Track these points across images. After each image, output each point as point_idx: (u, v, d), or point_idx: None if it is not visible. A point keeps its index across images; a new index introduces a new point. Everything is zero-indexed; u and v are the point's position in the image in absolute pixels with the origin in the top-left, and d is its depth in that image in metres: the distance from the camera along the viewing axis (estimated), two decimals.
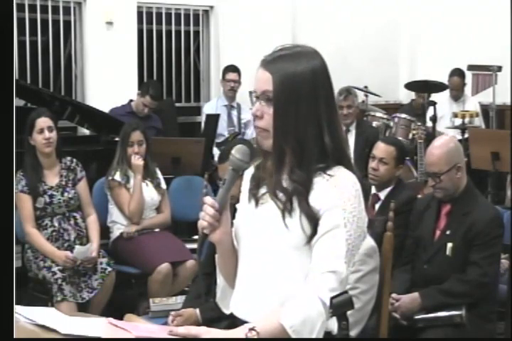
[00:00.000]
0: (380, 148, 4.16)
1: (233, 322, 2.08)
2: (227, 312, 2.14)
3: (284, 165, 1.99)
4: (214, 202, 1.99)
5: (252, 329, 1.84)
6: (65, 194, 4.53)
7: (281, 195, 1.98)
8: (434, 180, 3.51)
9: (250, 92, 6.72)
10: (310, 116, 1.96)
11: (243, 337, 1.84)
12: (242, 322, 1.96)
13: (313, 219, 1.95)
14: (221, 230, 2.02)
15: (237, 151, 2.01)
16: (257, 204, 2.06)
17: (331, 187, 1.96)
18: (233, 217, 2.11)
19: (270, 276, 2.01)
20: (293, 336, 1.84)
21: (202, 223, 1.99)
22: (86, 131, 6.31)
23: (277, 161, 1.99)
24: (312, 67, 1.98)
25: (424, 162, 3.93)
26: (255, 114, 2.00)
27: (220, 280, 2.16)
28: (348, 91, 6.06)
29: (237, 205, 2.16)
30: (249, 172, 2.13)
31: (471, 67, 7.77)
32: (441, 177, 3.48)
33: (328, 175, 1.97)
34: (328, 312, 1.85)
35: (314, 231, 1.95)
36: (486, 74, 7.77)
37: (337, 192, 1.95)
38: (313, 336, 1.86)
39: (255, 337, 1.83)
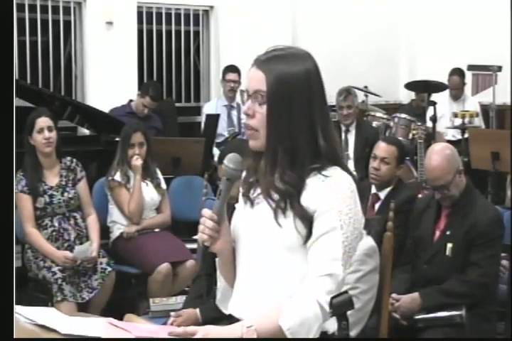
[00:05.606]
0: (382, 148, 4.16)
1: (233, 322, 2.07)
2: (227, 312, 2.14)
3: (276, 166, 1.98)
4: (212, 215, 1.99)
5: (249, 327, 1.86)
6: (65, 194, 4.53)
7: (275, 195, 1.98)
8: (442, 192, 3.49)
9: (242, 91, 6.72)
10: (303, 117, 1.96)
11: (239, 333, 1.85)
12: None
13: (306, 219, 1.94)
14: (221, 240, 2.02)
15: (229, 161, 2.00)
16: (252, 204, 2.06)
17: (326, 188, 1.95)
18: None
19: (267, 276, 2.01)
20: (290, 337, 1.86)
21: (202, 236, 1.99)
22: (86, 131, 6.30)
23: (270, 161, 1.99)
24: (306, 68, 1.98)
25: (423, 162, 3.92)
26: (247, 112, 2.00)
27: (221, 281, 2.16)
28: (348, 92, 6.06)
29: (236, 205, 2.16)
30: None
31: (471, 67, 7.77)
32: (450, 187, 3.47)
33: (324, 175, 1.97)
34: (326, 315, 1.87)
35: (309, 232, 1.95)
36: (486, 74, 7.77)
37: (332, 193, 1.94)
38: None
39: (253, 335, 1.85)
